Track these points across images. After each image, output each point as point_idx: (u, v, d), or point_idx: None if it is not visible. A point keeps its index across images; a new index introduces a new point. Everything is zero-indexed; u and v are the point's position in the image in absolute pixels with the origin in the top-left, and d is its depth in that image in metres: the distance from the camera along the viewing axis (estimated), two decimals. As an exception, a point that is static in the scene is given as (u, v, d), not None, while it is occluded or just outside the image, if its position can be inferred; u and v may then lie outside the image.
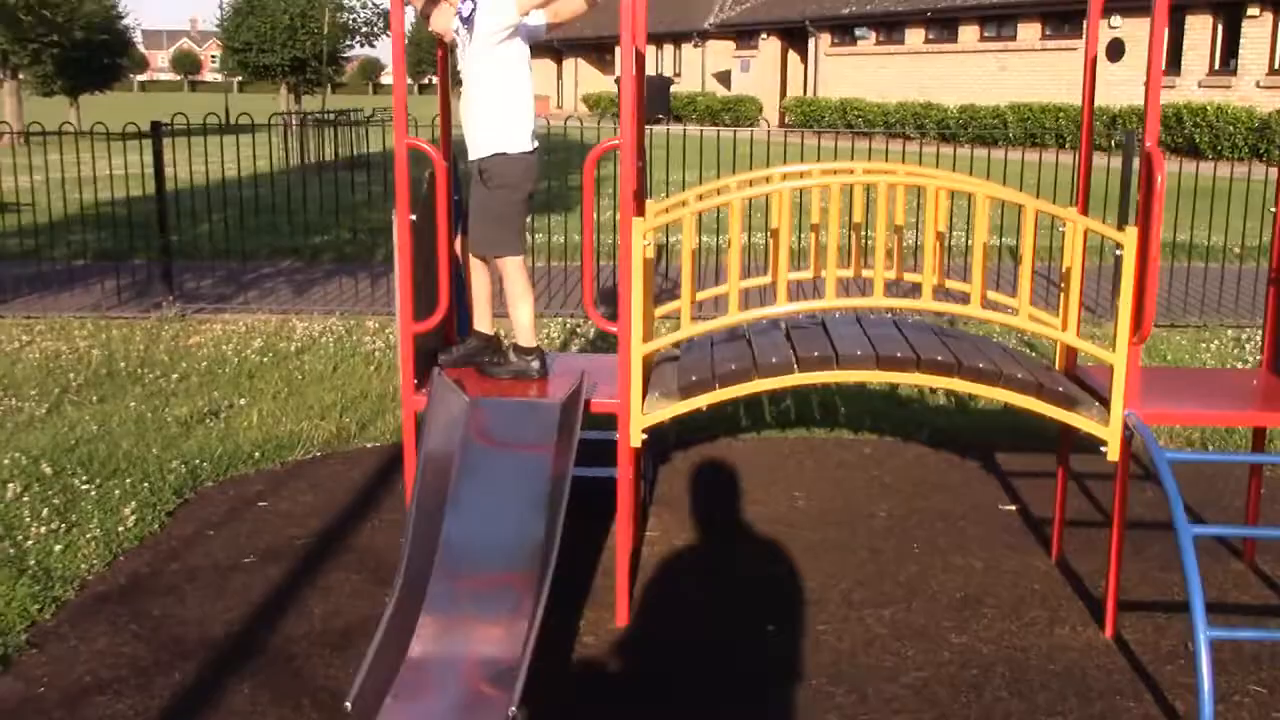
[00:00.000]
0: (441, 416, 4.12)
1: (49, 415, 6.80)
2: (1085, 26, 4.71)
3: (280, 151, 17.97)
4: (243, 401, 7.08)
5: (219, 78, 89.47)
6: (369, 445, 6.43)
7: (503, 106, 4.37)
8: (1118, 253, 4.14)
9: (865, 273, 4.96)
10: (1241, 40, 24.77)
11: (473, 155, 4.47)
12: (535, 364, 4.53)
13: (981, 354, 4.37)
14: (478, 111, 4.40)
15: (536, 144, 4.52)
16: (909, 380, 4.32)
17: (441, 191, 4.35)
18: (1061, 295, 4.53)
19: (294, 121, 18.26)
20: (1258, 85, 24.50)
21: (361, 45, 36.43)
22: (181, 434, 6.44)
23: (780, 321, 4.72)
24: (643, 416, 4.31)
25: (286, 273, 11.69)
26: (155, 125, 9.56)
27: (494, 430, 4.18)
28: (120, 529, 5.15)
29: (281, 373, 7.75)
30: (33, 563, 4.78)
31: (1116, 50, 27.04)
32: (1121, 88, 25.60)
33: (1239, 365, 8.04)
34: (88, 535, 5.05)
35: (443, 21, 4.35)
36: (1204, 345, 8.57)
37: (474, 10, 4.28)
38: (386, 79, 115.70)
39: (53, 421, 6.66)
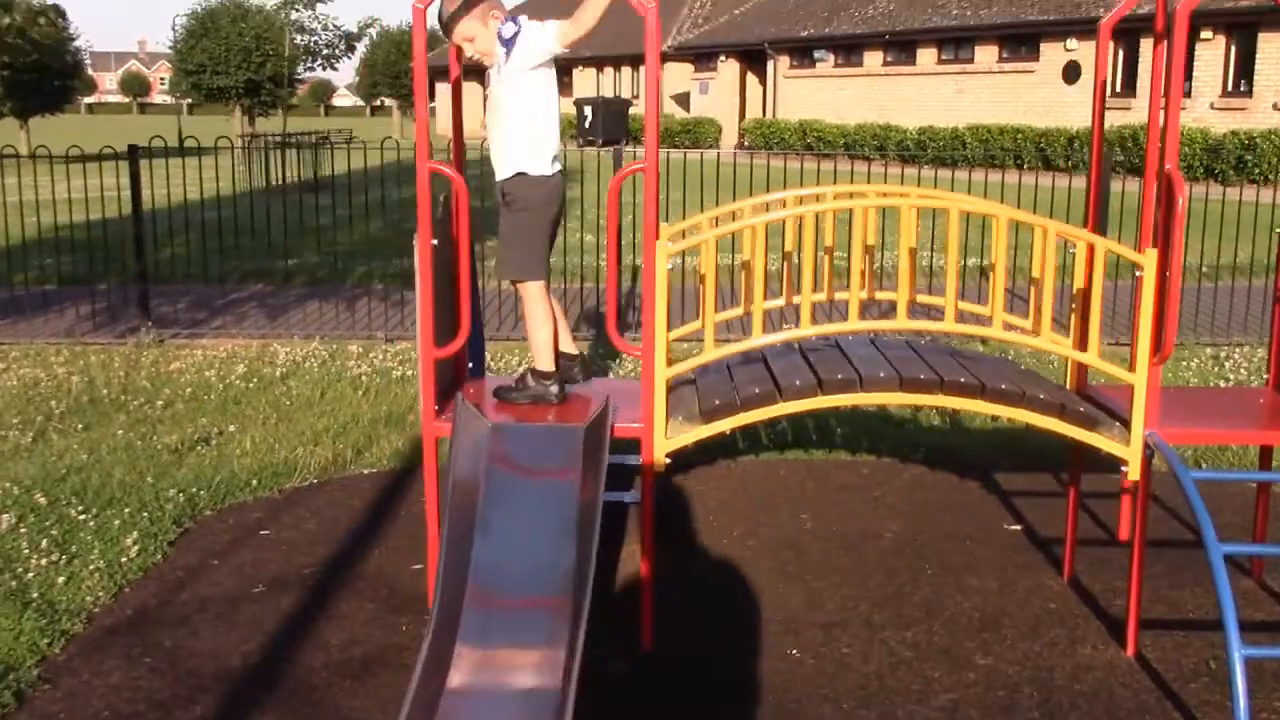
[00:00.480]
0: (466, 443, 4.07)
1: (35, 444, 6.67)
2: (1095, 50, 4.75)
3: (247, 173, 17.81)
4: (232, 428, 6.97)
5: (168, 100, 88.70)
6: (366, 471, 6.36)
7: (527, 128, 4.36)
8: (1138, 274, 4.17)
9: (878, 294, 4.98)
10: (1195, 63, 25.20)
11: (497, 176, 4.45)
12: (554, 389, 4.49)
13: (1001, 375, 4.39)
14: (504, 133, 4.38)
15: (560, 167, 4.50)
16: (932, 402, 4.32)
17: (462, 214, 4.31)
18: (1074, 316, 4.56)
19: (273, 143, 18.07)
20: (1211, 107, 24.96)
21: (323, 68, 36.28)
22: (174, 462, 6.33)
23: (794, 343, 4.72)
24: (666, 441, 4.29)
25: (259, 296, 11.57)
26: (133, 149, 9.44)
27: (518, 456, 4.14)
28: (123, 560, 5.05)
29: (268, 398, 7.65)
30: (36, 595, 4.67)
31: (1073, 72, 27.46)
32: (1079, 110, 25.99)
33: (1221, 383, 8.14)
34: (90, 566, 4.95)
35: (486, 44, 4.33)
36: (1184, 364, 8.66)
37: (516, 34, 4.27)
38: (338, 100, 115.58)
39: (40, 450, 6.53)
